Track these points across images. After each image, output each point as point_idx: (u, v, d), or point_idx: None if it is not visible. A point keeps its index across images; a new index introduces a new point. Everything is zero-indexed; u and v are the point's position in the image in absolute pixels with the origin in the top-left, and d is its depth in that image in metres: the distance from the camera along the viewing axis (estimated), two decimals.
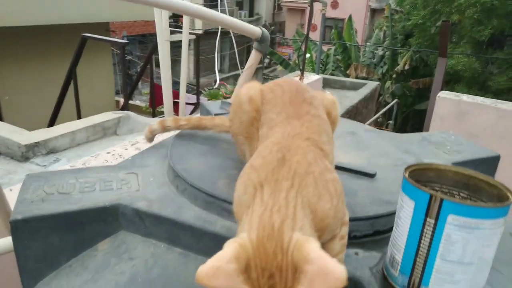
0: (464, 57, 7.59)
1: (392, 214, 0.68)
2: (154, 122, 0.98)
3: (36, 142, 2.23)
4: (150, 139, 0.98)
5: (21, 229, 0.66)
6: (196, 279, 0.39)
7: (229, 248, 0.41)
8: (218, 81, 2.87)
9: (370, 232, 0.67)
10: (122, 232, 0.72)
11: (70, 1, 4.99)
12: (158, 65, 2.07)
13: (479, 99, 2.26)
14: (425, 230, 0.50)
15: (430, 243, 0.49)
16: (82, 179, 0.78)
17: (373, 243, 0.66)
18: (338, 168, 0.80)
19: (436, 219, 0.49)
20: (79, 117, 3.38)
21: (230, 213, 0.67)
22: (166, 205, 0.71)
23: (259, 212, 0.43)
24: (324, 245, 0.52)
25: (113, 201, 0.71)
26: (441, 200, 0.48)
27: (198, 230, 0.65)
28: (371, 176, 0.81)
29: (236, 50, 2.78)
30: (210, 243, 0.65)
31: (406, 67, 8.78)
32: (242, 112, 0.70)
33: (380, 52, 9.83)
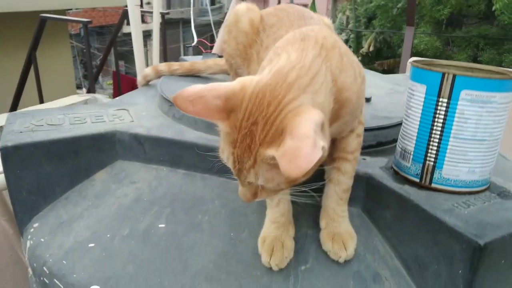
0: (426, 37, 7.83)
1: (392, 127, 0.69)
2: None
3: (0, 126, 2.11)
4: (143, 85, 0.95)
5: (12, 157, 0.62)
6: (173, 98, 0.39)
7: (229, 85, 0.40)
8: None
9: (373, 143, 0.68)
10: (120, 162, 0.69)
11: None
12: (119, 58, 1.99)
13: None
14: (437, 111, 0.50)
15: (444, 123, 0.50)
16: (71, 114, 0.74)
17: (377, 152, 0.66)
18: None
19: (449, 98, 0.49)
20: (41, 102, 3.22)
21: None
22: (165, 130, 0.68)
23: (281, 65, 0.42)
24: (342, 140, 0.52)
25: (108, 129, 0.68)
26: (454, 76, 0.48)
27: (203, 147, 0.63)
28: (366, 100, 0.81)
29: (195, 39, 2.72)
30: (217, 159, 0.63)
31: (371, 49, 8.95)
32: (239, 31, 0.68)
33: (344, 36, 9.98)
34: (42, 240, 0.61)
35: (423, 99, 0.52)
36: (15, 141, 0.62)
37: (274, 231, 0.52)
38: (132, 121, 0.73)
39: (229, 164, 0.42)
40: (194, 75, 0.94)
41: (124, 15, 3.94)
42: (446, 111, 0.50)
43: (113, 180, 0.66)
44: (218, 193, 0.61)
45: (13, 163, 0.62)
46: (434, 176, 0.52)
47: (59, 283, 0.55)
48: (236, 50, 0.70)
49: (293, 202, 0.55)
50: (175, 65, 0.93)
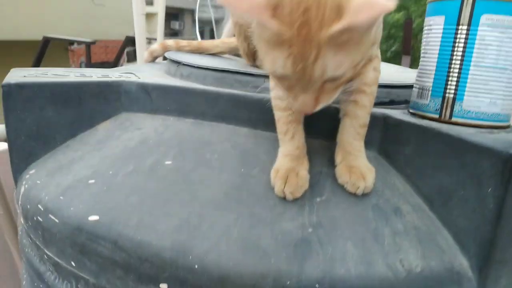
0: None
1: (405, 87, 0.68)
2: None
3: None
4: (150, 62, 0.95)
5: (14, 96, 0.60)
6: None
7: None
8: None
9: (386, 100, 0.66)
10: (124, 113, 0.67)
11: (29, 17, 4.86)
12: None
13: None
14: (457, 40, 0.49)
15: (464, 51, 0.49)
16: (76, 73, 0.73)
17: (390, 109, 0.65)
18: None
19: (469, 24, 0.48)
20: None
21: (244, 84, 0.64)
22: (173, 83, 0.67)
23: None
24: (359, 71, 0.50)
25: (114, 79, 0.66)
26: (474, 0, 0.48)
27: (213, 94, 0.61)
28: None
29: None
30: (227, 105, 0.61)
31: None
32: None
33: None
34: (38, 182, 0.57)
35: (441, 30, 0.51)
36: (18, 80, 0.60)
37: (288, 163, 0.49)
38: (139, 79, 0.71)
39: (287, 69, 0.38)
40: (201, 53, 0.93)
41: (126, 42, 4.02)
42: (466, 38, 0.49)
43: (117, 128, 0.63)
44: (227, 137, 0.58)
45: (14, 102, 0.60)
46: (454, 109, 0.50)
47: (54, 218, 0.50)
48: None
49: (306, 141, 0.52)
50: (183, 42, 0.92)
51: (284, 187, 0.47)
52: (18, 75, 0.64)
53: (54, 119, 0.62)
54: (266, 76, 0.62)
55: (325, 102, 0.42)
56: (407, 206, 0.48)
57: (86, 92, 0.63)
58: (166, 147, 0.57)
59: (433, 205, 0.48)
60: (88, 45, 3.21)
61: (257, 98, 0.59)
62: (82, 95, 0.63)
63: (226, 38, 0.94)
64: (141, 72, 0.80)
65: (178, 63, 0.74)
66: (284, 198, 0.47)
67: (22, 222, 0.59)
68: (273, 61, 0.39)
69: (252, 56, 0.78)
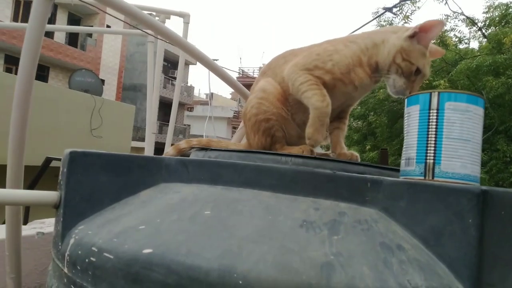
0: None
1: (395, 170, 0.83)
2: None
3: None
4: None
5: (77, 162, 0.72)
6: None
7: None
8: None
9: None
10: (163, 184, 0.79)
11: (31, 145, 5.14)
12: None
13: None
14: (430, 120, 0.67)
15: (436, 127, 0.66)
16: None
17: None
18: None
19: (437, 109, 0.66)
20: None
21: (264, 161, 0.79)
22: (206, 158, 0.81)
23: None
24: None
25: (157, 156, 0.80)
26: (439, 93, 0.67)
27: (240, 165, 0.75)
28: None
29: None
30: (252, 173, 0.74)
31: None
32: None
33: None
34: (89, 232, 0.66)
35: (418, 115, 0.69)
36: (83, 149, 0.73)
37: None
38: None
39: None
40: None
41: None
42: (436, 118, 0.66)
43: (159, 192, 0.75)
44: (254, 197, 0.70)
45: (77, 167, 0.72)
46: (435, 171, 0.65)
47: (108, 255, 0.59)
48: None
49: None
50: (194, 141, 1.09)
51: None
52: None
53: (106, 184, 0.74)
54: (282, 154, 0.77)
55: None
56: (407, 245, 0.59)
57: (134, 163, 0.77)
58: (203, 202, 0.68)
59: (428, 244, 0.58)
60: None
61: (276, 167, 0.73)
62: (131, 165, 0.76)
63: (230, 141, 1.12)
64: None
65: (206, 149, 0.90)
66: None
67: (66, 272, 0.66)
68: None
69: (268, 149, 0.93)
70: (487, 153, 5.62)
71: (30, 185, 3.45)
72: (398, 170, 0.73)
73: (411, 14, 6.52)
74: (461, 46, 7.44)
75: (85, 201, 0.72)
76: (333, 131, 0.96)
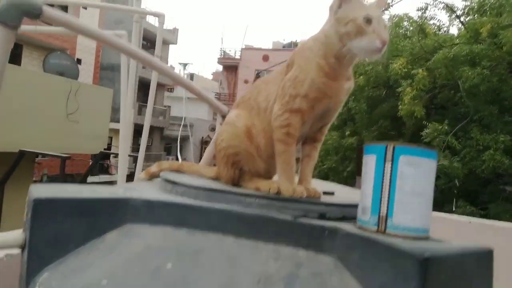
0: None
1: (355, 206, 0.87)
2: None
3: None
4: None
5: (42, 208, 0.73)
6: None
7: None
8: None
9: (339, 217, 0.84)
10: (128, 225, 0.80)
11: (6, 131, 5.01)
12: None
13: None
14: (385, 172, 0.69)
15: (390, 180, 0.69)
16: (89, 189, 0.87)
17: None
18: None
19: (392, 161, 0.69)
20: None
21: (229, 200, 0.81)
22: (172, 199, 0.82)
23: None
24: None
25: (122, 195, 0.81)
26: (394, 146, 0.69)
27: (204, 209, 0.77)
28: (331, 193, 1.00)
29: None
30: (215, 218, 0.76)
31: None
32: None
33: None
34: (53, 284, 0.67)
35: (374, 165, 0.71)
36: (48, 195, 0.74)
37: None
38: (142, 195, 0.86)
39: None
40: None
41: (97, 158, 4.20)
42: (391, 171, 0.69)
43: (124, 236, 0.76)
44: (217, 245, 0.73)
45: (42, 214, 0.73)
46: (387, 224, 0.68)
47: None
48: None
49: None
50: (164, 165, 1.10)
51: None
52: (42, 191, 0.78)
53: (71, 228, 0.75)
54: (247, 195, 0.80)
55: None
56: None
57: (99, 206, 0.78)
58: (166, 252, 0.70)
59: None
60: (64, 159, 3.37)
61: (240, 212, 0.75)
62: (95, 209, 0.77)
63: (203, 166, 1.13)
64: (140, 189, 0.95)
65: (173, 183, 0.91)
66: None
67: None
68: None
69: (237, 180, 0.95)
70: (461, 141, 5.78)
71: (1, 181, 3.40)
72: None
73: (391, 1, 6.52)
74: (440, 32, 7.53)
75: (50, 246, 0.73)
76: (304, 159, 0.93)
